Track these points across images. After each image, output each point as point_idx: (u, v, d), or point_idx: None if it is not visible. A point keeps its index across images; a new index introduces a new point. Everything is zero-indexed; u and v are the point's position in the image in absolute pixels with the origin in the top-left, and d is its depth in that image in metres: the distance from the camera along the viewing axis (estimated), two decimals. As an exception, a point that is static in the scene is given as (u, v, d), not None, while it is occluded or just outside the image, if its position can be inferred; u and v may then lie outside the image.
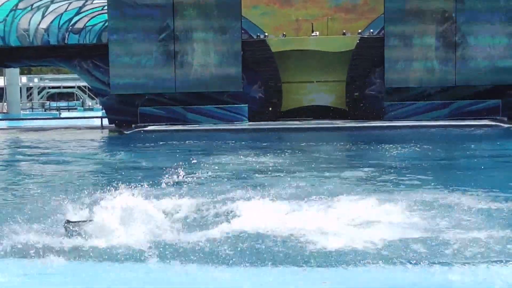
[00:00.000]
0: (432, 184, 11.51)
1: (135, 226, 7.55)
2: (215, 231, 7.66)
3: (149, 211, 8.02)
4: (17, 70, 40.62)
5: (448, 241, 7.17)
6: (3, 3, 29.67)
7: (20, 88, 47.95)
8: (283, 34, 29.94)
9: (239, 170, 14.05)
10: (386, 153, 17.25)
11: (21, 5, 29.64)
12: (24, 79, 58.29)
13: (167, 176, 10.06)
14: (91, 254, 6.95)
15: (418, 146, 18.38)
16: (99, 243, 7.18)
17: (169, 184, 9.93)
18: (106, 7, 28.94)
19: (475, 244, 7.00)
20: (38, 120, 34.68)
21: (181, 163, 11.02)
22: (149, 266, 6.57)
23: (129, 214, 7.71)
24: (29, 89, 63.01)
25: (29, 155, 19.59)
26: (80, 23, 29.37)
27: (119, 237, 7.31)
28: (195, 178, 11.19)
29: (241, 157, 16.55)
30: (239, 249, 7.06)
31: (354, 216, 8.26)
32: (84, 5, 29.59)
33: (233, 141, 21.80)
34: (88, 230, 7.41)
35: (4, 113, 41.58)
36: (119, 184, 8.45)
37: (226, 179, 12.32)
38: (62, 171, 15.40)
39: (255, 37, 29.35)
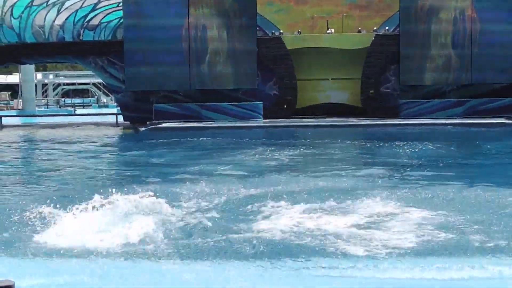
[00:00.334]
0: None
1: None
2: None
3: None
4: (32, 66, 40.80)
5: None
6: (19, 0, 29.78)
7: (35, 84, 48.15)
8: (298, 32, 29.88)
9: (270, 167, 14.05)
10: (401, 150, 17.21)
11: (36, 2, 29.71)
12: (39, 75, 58.46)
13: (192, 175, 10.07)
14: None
15: (446, 145, 18.32)
16: None
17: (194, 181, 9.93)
18: (121, 4, 28.98)
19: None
20: (53, 117, 34.69)
21: (198, 161, 11.02)
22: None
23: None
24: (44, 85, 63.18)
25: (40, 152, 19.69)
26: (95, 20, 29.44)
27: None
28: (210, 176, 11.18)
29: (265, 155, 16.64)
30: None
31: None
32: (99, 2, 29.62)
33: (248, 139, 21.76)
34: None
35: (19, 109, 41.80)
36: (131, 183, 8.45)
37: (243, 177, 12.28)
38: (78, 169, 15.49)
39: (270, 34, 29.29)
